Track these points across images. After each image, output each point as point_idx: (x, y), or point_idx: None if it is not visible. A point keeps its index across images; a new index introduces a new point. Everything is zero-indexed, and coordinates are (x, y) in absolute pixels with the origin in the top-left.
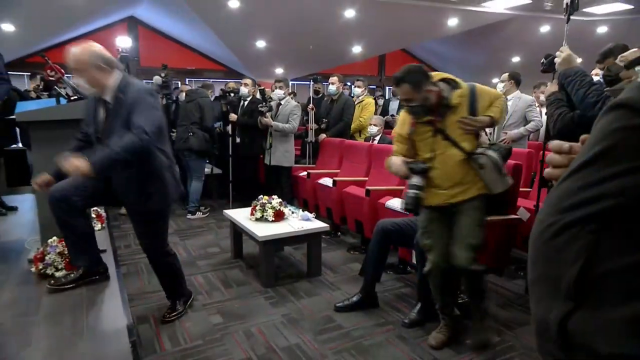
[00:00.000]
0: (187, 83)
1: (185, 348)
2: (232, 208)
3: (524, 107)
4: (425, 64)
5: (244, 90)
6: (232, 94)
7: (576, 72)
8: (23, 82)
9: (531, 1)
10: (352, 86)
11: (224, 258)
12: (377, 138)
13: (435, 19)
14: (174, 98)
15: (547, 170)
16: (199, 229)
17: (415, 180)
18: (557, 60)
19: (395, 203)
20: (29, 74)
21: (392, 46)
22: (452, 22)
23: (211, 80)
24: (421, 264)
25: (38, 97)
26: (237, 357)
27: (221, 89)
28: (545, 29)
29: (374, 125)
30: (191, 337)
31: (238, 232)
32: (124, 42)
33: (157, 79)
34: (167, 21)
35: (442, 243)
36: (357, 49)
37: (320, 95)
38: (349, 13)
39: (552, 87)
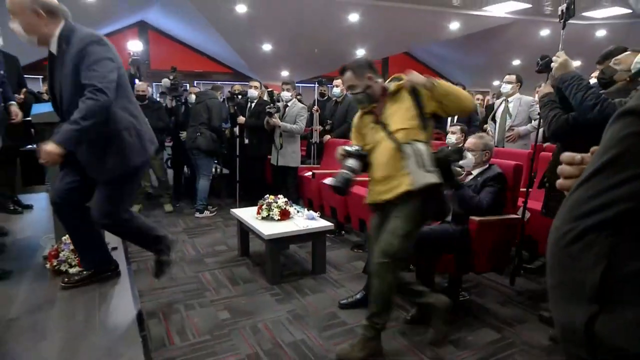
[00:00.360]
0: (195, 85)
1: (194, 343)
2: (239, 207)
3: (526, 107)
4: (427, 67)
5: (253, 92)
6: (239, 96)
7: (573, 77)
8: (38, 84)
9: (531, 6)
10: None
11: (231, 256)
12: None
13: (437, 23)
14: (183, 100)
15: (559, 182)
16: (206, 227)
17: (350, 162)
18: (553, 65)
19: None
20: (42, 77)
21: (395, 49)
22: (454, 26)
23: (219, 82)
24: (417, 260)
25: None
26: (244, 352)
27: (229, 91)
28: (545, 32)
29: None
30: (199, 332)
31: (245, 231)
32: (135, 46)
33: (165, 81)
34: (177, 25)
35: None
36: (361, 52)
37: (326, 97)
38: (353, 17)
39: (545, 88)
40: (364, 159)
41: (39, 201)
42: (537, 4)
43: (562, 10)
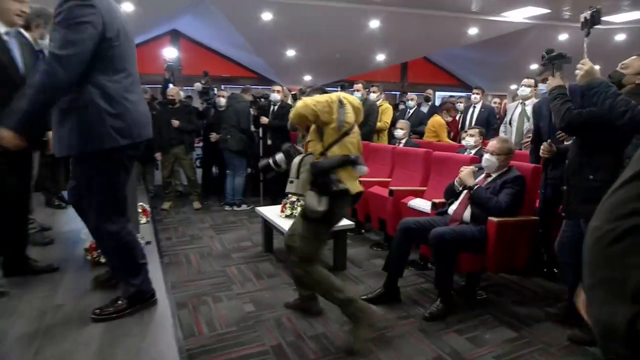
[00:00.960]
0: (223, 89)
1: (221, 333)
2: (264, 205)
3: None
4: (444, 71)
5: (276, 96)
6: (262, 99)
7: (600, 84)
8: None
9: (550, 11)
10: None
11: (255, 251)
12: (403, 141)
13: (456, 29)
14: (213, 103)
15: None
16: (232, 224)
17: (278, 156)
18: (578, 72)
19: (418, 203)
20: None
21: (414, 54)
22: (472, 31)
23: (248, 85)
24: (437, 259)
25: None
26: (269, 343)
27: (252, 94)
28: (563, 37)
29: (400, 129)
30: (226, 323)
31: (269, 228)
32: (170, 53)
33: (197, 85)
34: (206, 33)
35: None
36: (380, 57)
37: None
38: (374, 23)
39: (554, 81)
40: (290, 156)
41: None
42: (556, 9)
43: (585, 18)
